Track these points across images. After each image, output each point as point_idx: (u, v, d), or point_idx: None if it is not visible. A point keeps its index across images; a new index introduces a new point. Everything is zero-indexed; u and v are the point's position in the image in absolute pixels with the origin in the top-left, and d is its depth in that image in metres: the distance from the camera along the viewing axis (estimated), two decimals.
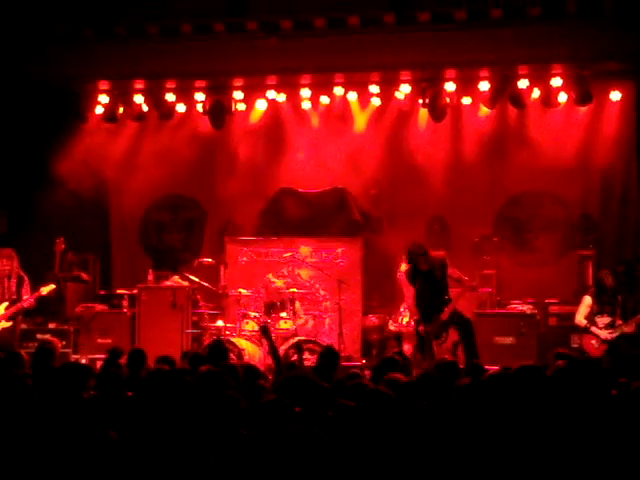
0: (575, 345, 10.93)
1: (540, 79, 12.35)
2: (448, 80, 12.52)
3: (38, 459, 3.92)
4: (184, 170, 13.84)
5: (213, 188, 14.03)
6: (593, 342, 10.42)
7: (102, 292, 13.41)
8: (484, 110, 12.99)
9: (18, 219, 13.31)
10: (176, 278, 12.74)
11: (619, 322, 10.41)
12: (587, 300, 10.53)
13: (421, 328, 10.16)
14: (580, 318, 10.50)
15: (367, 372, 10.67)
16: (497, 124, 13.14)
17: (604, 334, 10.35)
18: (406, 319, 11.72)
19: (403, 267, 10.90)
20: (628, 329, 10.37)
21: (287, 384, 5.42)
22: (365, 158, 13.45)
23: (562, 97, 12.47)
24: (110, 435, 4.21)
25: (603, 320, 10.44)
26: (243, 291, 11.96)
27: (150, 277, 12.77)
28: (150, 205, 14.46)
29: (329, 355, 7.87)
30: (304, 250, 12.79)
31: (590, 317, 10.44)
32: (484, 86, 12.45)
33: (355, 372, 7.28)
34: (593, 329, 10.40)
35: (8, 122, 12.63)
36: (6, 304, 10.64)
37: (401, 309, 11.93)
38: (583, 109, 12.62)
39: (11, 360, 7.16)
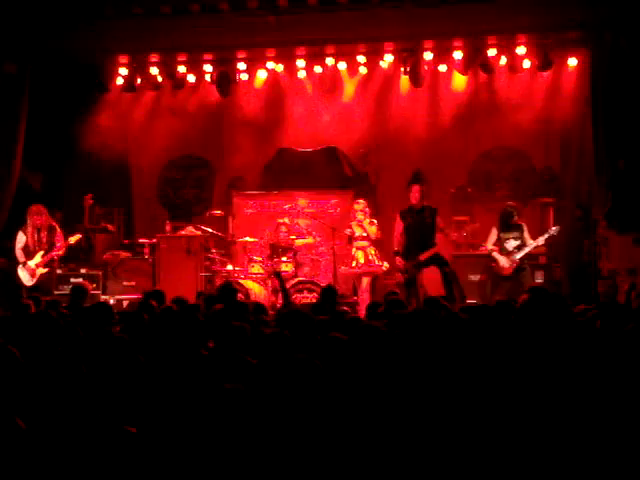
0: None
1: (506, 48, 12.34)
2: (426, 50, 12.49)
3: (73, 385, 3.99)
4: (195, 133, 13.88)
5: (221, 149, 14.09)
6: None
7: (126, 241, 13.48)
8: (458, 76, 12.97)
9: (52, 179, 13.36)
10: (190, 228, 12.79)
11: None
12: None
13: (398, 260, 10.19)
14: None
15: (358, 308, 10.85)
16: (470, 88, 13.13)
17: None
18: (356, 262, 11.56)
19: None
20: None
21: (286, 318, 5.55)
22: (354, 120, 13.48)
23: (526, 64, 12.46)
24: (139, 359, 4.30)
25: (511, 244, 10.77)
26: (249, 239, 12.07)
27: (167, 228, 12.80)
28: (166, 165, 14.49)
29: (329, 292, 8.03)
30: (302, 202, 12.96)
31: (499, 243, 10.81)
32: (458, 55, 12.43)
33: (344, 309, 7.41)
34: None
35: (40, 95, 12.59)
36: (42, 253, 10.85)
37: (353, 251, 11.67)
38: (545, 74, 12.61)
39: (50, 304, 7.36)
